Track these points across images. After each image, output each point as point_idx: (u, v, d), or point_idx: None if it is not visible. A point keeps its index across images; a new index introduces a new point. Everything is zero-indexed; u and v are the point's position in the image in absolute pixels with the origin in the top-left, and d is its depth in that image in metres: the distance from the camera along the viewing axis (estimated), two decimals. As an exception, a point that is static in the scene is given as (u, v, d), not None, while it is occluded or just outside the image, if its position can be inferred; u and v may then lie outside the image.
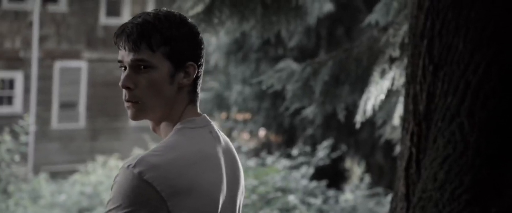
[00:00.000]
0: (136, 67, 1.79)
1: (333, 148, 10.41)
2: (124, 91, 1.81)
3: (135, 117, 1.81)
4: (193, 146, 1.75)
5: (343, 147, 11.26)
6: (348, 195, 8.87)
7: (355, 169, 11.93)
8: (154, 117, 1.80)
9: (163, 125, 1.82)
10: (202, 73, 1.84)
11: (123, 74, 1.81)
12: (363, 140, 11.29)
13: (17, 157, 10.89)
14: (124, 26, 1.81)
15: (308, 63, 5.85)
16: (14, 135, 11.74)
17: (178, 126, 1.78)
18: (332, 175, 10.77)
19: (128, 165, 1.70)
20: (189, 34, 1.79)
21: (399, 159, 3.97)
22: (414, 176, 3.83)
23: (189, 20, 1.84)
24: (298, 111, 7.44)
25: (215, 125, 1.87)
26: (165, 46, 1.78)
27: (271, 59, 11.26)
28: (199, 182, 1.72)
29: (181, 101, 1.79)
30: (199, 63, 1.82)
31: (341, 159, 11.67)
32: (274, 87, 5.89)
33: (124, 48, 1.80)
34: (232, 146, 1.89)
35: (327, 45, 11.29)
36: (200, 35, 1.82)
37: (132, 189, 1.67)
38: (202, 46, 1.83)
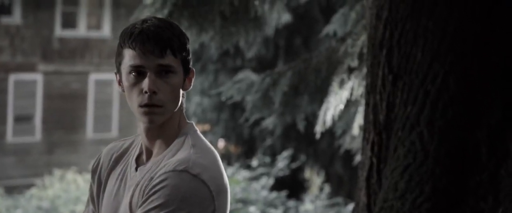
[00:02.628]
0: (159, 72, 1.83)
1: (293, 158, 10.42)
2: (142, 96, 1.83)
3: (155, 121, 1.85)
4: (213, 150, 1.86)
5: (303, 158, 11.28)
6: (308, 206, 8.89)
7: (315, 179, 11.96)
8: (164, 121, 1.86)
9: (163, 130, 1.87)
10: None
11: (134, 79, 1.84)
12: (322, 150, 11.33)
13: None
14: (143, 30, 1.83)
15: (268, 73, 5.84)
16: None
17: (188, 131, 1.86)
18: (292, 186, 10.78)
19: (181, 170, 1.75)
20: (188, 41, 1.87)
21: (360, 169, 3.98)
22: (375, 186, 3.84)
23: None
24: (257, 122, 7.45)
25: None
26: (181, 53, 1.84)
27: (230, 70, 11.25)
28: (227, 183, 1.85)
29: (180, 108, 1.88)
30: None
31: (300, 169, 11.69)
32: (233, 98, 5.87)
33: (151, 53, 1.82)
34: None
35: (285, 55, 11.33)
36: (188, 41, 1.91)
37: (190, 190, 1.74)
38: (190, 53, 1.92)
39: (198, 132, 1.89)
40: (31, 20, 17.13)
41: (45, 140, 17.44)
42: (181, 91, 1.85)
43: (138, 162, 1.92)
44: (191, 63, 1.88)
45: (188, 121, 1.90)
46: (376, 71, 3.80)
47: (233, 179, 8.22)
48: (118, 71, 1.90)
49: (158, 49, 1.81)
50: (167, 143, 1.86)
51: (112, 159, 1.96)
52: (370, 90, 3.86)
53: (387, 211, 3.71)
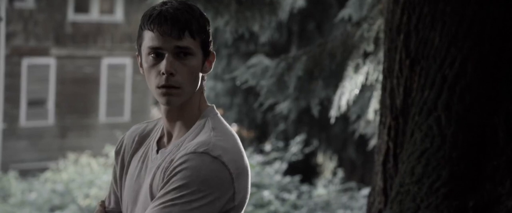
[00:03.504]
0: (177, 53, 1.84)
1: (306, 143, 10.42)
2: (160, 77, 1.84)
3: (173, 103, 1.85)
4: (234, 133, 1.87)
5: (316, 143, 11.28)
6: (321, 190, 8.90)
7: (328, 164, 11.97)
8: (182, 103, 1.86)
9: (183, 113, 1.88)
10: None
11: (152, 61, 1.84)
12: (335, 135, 11.32)
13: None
14: (161, 11, 1.83)
15: (282, 58, 5.84)
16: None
17: (209, 114, 1.87)
18: (305, 171, 10.79)
19: (201, 152, 1.76)
20: (209, 24, 1.88)
21: (376, 153, 3.98)
22: (392, 171, 3.84)
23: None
24: (271, 107, 7.44)
25: None
26: (200, 35, 1.84)
27: (243, 55, 11.24)
28: (247, 166, 1.85)
29: (200, 90, 1.88)
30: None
31: (313, 154, 11.69)
32: (248, 83, 5.87)
33: (169, 34, 1.82)
34: None
35: (298, 40, 11.30)
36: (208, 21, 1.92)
37: (211, 172, 1.75)
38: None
39: (219, 115, 1.89)
40: (44, 5, 17.15)
41: (58, 124, 17.51)
42: (201, 74, 1.86)
43: (160, 144, 1.92)
44: (211, 46, 1.88)
45: (209, 104, 1.90)
46: (394, 55, 3.79)
47: (246, 164, 8.23)
48: (139, 53, 1.91)
49: (175, 30, 1.82)
50: (188, 125, 1.87)
51: (135, 141, 1.97)
52: (387, 75, 3.85)
53: (403, 195, 3.71)
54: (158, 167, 1.86)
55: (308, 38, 11.14)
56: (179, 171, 1.76)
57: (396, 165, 3.83)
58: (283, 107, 6.17)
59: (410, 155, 3.73)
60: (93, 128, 17.72)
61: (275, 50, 10.68)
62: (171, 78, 1.82)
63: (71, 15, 17.51)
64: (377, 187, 3.94)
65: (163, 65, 1.82)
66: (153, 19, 1.83)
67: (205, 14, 1.88)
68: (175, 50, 1.83)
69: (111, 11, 17.75)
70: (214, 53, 1.90)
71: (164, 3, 1.84)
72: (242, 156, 1.82)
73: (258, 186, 8.08)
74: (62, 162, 12.63)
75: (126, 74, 17.86)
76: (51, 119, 17.49)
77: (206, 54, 1.86)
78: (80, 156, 12.68)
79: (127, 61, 17.95)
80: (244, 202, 1.83)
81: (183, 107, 1.86)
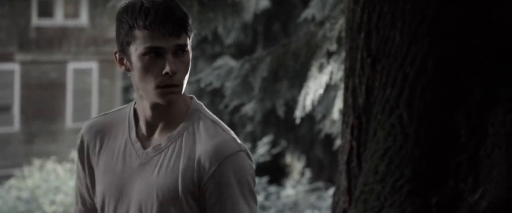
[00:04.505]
0: (176, 51, 1.83)
1: (273, 144, 10.42)
2: (160, 77, 1.82)
3: (173, 101, 1.85)
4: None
5: (283, 143, 11.28)
6: (289, 191, 8.90)
7: (295, 164, 11.98)
8: None
9: (173, 107, 1.87)
10: None
11: (150, 60, 1.82)
12: (302, 135, 11.34)
13: None
14: (157, 10, 1.80)
15: (246, 59, 5.83)
16: None
17: (197, 106, 1.89)
18: (273, 171, 10.79)
19: (237, 151, 1.82)
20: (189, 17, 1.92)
21: (340, 153, 3.98)
22: (356, 170, 3.84)
23: None
24: (237, 108, 7.42)
25: None
26: (191, 30, 1.85)
27: (209, 57, 11.21)
28: None
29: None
30: None
31: (281, 155, 11.70)
32: (212, 85, 5.86)
33: (171, 33, 1.81)
34: None
35: (264, 41, 11.30)
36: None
37: (251, 167, 1.85)
38: None
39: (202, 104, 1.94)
40: (7, 9, 16.96)
41: (24, 130, 17.32)
42: None
43: (140, 138, 1.88)
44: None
45: (188, 95, 1.91)
46: (355, 54, 3.79)
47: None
48: (123, 51, 1.85)
49: (177, 29, 1.80)
50: (178, 118, 1.86)
51: (98, 137, 1.92)
52: (349, 74, 3.86)
53: (367, 194, 3.72)
54: (173, 167, 1.84)
55: (273, 38, 11.15)
56: (227, 177, 1.81)
57: (359, 164, 3.84)
58: (249, 108, 6.16)
59: (373, 154, 3.74)
60: (59, 134, 17.56)
61: (241, 52, 10.67)
62: (174, 77, 1.81)
63: (35, 20, 17.34)
64: (342, 187, 3.94)
65: (166, 65, 1.79)
66: (153, 18, 1.79)
67: None
68: (175, 48, 1.82)
69: (75, 15, 17.61)
70: None
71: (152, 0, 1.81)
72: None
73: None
74: (27, 168, 12.49)
75: (93, 79, 17.73)
76: (16, 125, 17.30)
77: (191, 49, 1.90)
78: (46, 162, 12.54)
79: (93, 65, 17.82)
80: None
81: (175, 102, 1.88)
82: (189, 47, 1.84)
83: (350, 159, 3.87)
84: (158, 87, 1.81)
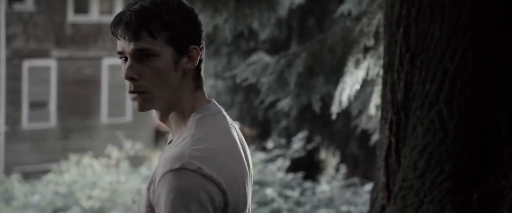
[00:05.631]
0: (138, 56, 1.71)
1: (308, 140, 10.39)
2: (128, 82, 1.71)
3: (142, 108, 1.72)
4: (222, 135, 1.70)
5: (318, 139, 11.23)
6: (324, 186, 8.86)
7: (330, 160, 11.93)
8: (162, 106, 1.72)
9: (173, 114, 1.73)
10: (204, 56, 1.76)
11: (124, 65, 1.71)
12: (337, 131, 11.29)
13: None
14: (121, 14, 1.72)
15: (282, 55, 5.81)
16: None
17: (196, 115, 1.70)
18: (308, 167, 10.76)
19: (178, 168, 1.59)
20: (189, 17, 1.71)
21: (379, 148, 3.95)
22: (394, 166, 3.81)
23: (186, 2, 1.74)
24: (272, 104, 7.40)
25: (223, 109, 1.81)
26: (166, 32, 1.69)
27: (243, 52, 11.20)
28: (237, 171, 1.69)
29: (187, 88, 1.72)
30: (201, 45, 1.74)
31: (316, 150, 11.66)
32: (248, 81, 5.85)
33: (124, 38, 1.71)
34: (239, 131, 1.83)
35: (298, 36, 11.27)
36: (199, 17, 1.74)
37: (194, 188, 1.58)
38: (202, 28, 1.74)
39: (215, 112, 1.73)
40: (43, 6, 17.13)
41: (60, 125, 17.50)
42: (177, 72, 1.70)
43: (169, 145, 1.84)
44: (192, 39, 1.72)
45: (209, 99, 1.77)
46: (394, 49, 3.76)
47: (248, 162, 8.18)
48: None
49: (130, 32, 1.69)
50: (180, 127, 1.74)
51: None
52: (387, 69, 3.82)
53: (406, 190, 3.69)
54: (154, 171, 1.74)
55: (308, 34, 11.10)
56: (161, 195, 1.60)
57: (398, 160, 3.80)
58: (284, 104, 6.14)
59: (413, 150, 3.70)
60: (95, 129, 17.71)
61: (275, 47, 10.65)
62: (134, 83, 1.70)
63: (71, 16, 17.49)
64: (380, 183, 3.91)
65: (123, 70, 1.72)
66: (112, 22, 1.73)
67: (185, 7, 1.72)
68: (135, 53, 1.69)
69: (110, 11, 17.72)
70: (197, 47, 1.72)
71: (134, 2, 1.72)
72: (229, 162, 1.66)
73: (261, 184, 8.05)
74: (64, 163, 12.61)
75: (127, 74, 17.84)
76: (53, 121, 17.48)
77: (181, 50, 1.70)
78: (82, 158, 12.66)
79: (127, 61, 17.93)
80: (237, 208, 1.68)
81: (168, 109, 1.72)
82: (161, 50, 1.69)
83: (389, 155, 3.84)
84: (128, 92, 1.73)
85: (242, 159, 1.72)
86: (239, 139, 1.76)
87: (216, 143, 1.67)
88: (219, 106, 1.78)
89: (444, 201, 3.57)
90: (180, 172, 1.59)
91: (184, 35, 1.70)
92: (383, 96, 3.88)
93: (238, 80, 5.97)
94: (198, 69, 1.74)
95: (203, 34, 1.75)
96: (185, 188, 1.58)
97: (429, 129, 3.66)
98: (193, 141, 1.65)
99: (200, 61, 1.74)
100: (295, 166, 9.64)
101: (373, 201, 3.96)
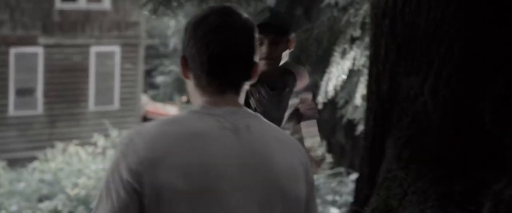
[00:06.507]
0: None
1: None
2: None
3: None
4: (184, 125, 1.68)
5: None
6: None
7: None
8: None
9: None
10: (197, 63, 1.72)
11: None
12: (324, 120, 11.28)
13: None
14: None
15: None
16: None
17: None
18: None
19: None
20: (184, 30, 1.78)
21: (363, 139, 3.96)
22: (378, 156, 3.81)
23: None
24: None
25: (252, 120, 1.72)
26: None
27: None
28: (176, 158, 1.64)
29: (194, 93, 1.75)
30: (185, 55, 1.73)
31: (302, 140, 11.63)
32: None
33: None
34: (273, 148, 1.71)
35: (286, 26, 11.22)
36: (187, 27, 1.74)
37: (121, 157, 1.65)
38: (187, 38, 1.73)
39: (205, 114, 1.72)
40: (30, -7, 17.03)
41: (47, 113, 17.43)
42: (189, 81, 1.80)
43: None
44: (183, 50, 1.77)
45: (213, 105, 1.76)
46: (379, 40, 3.76)
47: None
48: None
49: None
50: None
51: None
52: (373, 60, 3.82)
53: (390, 181, 3.69)
54: None
55: (296, 23, 11.07)
56: None
57: (383, 151, 3.81)
58: (270, 93, 6.12)
59: (397, 141, 3.71)
60: (82, 117, 17.65)
61: (263, 36, 10.60)
62: None
63: (59, 3, 17.39)
64: (365, 173, 3.92)
65: None
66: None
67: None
68: None
69: (98, -1, 17.64)
70: (184, 58, 1.75)
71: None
72: (156, 148, 1.63)
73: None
74: (50, 151, 12.56)
75: (115, 62, 17.77)
76: (40, 108, 17.41)
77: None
78: (69, 145, 12.61)
79: (115, 49, 17.86)
80: (162, 196, 1.62)
81: None
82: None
83: (373, 146, 3.84)
84: None
85: (200, 153, 1.65)
86: (248, 150, 1.68)
87: (155, 125, 1.68)
88: (228, 112, 1.72)
89: (428, 192, 3.58)
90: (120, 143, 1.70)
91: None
92: (369, 87, 3.88)
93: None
94: (196, 75, 1.73)
95: (189, 43, 1.73)
96: (113, 159, 1.68)
97: (413, 120, 3.66)
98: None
99: (194, 69, 1.73)
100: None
101: (358, 191, 3.97)
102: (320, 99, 5.47)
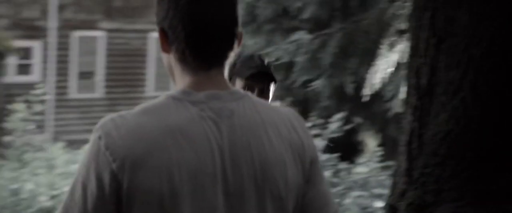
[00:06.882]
0: None
1: (348, 120, 10.31)
2: None
3: None
4: (164, 117, 1.57)
5: (357, 120, 11.14)
6: (361, 168, 8.81)
7: (370, 142, 11.84)
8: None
9: None
10: (180, 36, 1.60)
11: None
12: (377, 113, 11.17)
13: (31, 126, 10.92)
14: None
15: (316, 35, 5.78)
16: (31, 104, 11.79)
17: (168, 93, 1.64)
18: (346, 148, 10.69)
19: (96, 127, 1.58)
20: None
21: (401, 133, 3.91)
22: (416, 151, 3.76)
23: None
24: (306, 83, 7.36)
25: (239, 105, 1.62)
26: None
27: (285, 31, 11.14)
28: (158, 157, 1.54)
29: (175, 68, 1.64)
30: (163, 27, 1.62)
31: (355, 131, 11.58)
32: (281, 60, 5.84)
33: None
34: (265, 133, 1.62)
35: (342, 16, 11.14)
36: None
37: (93, 148, 1.56)
38: (165, 8, 1.61)
39: (185, 100, 1.61)
40: (93, -22, 17.31)
41: (107, 96, 17.73)
42: (166, 55, 1.68)
43: None
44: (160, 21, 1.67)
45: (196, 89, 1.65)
46: (419, 34, 3.70)
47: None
48: None
49: None
50: None
51: None
52: (413, 53, 3.77)
53: (426, 177, 3.64)
54: None
55: (352, 14, 10.97)
56: None
57: (420, 146, 3.76)
58: (318, 84, 6.12)
59: (434, 136, 3.65)
60: (141, 101, 17.90)
61: (318, 27, 10.56)
62: None
63: (121, -11, 17.64)
64: (401, 168, 3.87)
65: None
66: None
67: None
68: None
69: (159, -15, 17.82)
70: (161, 29, 1.64)
71: None
72: (138, 145, 1.53)
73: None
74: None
75: (174, 48, 17.96)
76: (99, 91, 17.72)
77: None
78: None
79: (175, 35, 18.04)
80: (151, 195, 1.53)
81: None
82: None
83: (411, 140, 3.79)
84: None
85: (184, 150, 1.56)
86: (233, 140, 1.60)
87: (147, 120, 1.57)
88: (213, 98, 1.62)
89: (464, 190, 3.52)
90: (93, 132, 1.60)
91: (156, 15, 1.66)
92: (408, 81, 3.83)
93: (270, 59, 5.96)
94: (180, 50, 1.63)
95: (170, 13, 1.61)
96: (88, 149, 1.59)
97: (452, 116, 3.60)
98: (132, 110, 1.62)
99: (175, 42, 1.63)
100: (334, 146, 9.59)
101: (394, 186, 3.93)
102: (366, 91, 5.43)
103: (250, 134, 1.60)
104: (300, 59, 5.72)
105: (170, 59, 1.64)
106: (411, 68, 3.78)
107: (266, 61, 2.84)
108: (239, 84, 2.75)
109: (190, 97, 1.60)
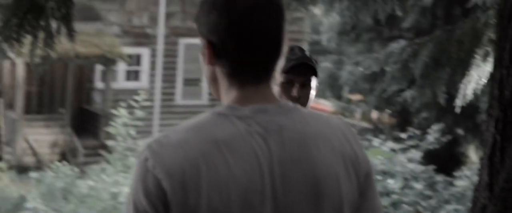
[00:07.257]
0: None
1: (449, 132, 10.06)
2: None
3: None
4: (210, 133, 1.52)
5: (460, 131, 10.86)
6: (459, 182, 8.58)
7: (472, 154, 11.51)
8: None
9: None
10: (229, 49, 1.56)
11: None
12: (478, 124, 10.86)
13: (132, 131, 11.19)
14: None
15: (407, 44, 5.68)
16: (133, 109, 12.09)
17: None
18: (446, 160, 10.44)
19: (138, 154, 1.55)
20: (202, 9, 1.60)
21: (484, 146, 3.80)
22: (498, 165, 3.65)
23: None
24: (396, 93, 7.22)
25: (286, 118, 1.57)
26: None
27: (384, 40, 11.01)
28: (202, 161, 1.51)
29: (220, 82, 1.61)
30: (210, 39, 1.58)
31: (456, 143, 11.29)
32: (370, 69, 5.77)
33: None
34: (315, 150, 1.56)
35: (444, 25, 10.92)
36: (210, 7, 1.57)
37: (140, 176, 1.53)
38: (215, 21, 1.57)
39: (220, 107, 1.58)
40: (200, -13, 17.62)
41: (211, 103, 18.01)
42: (208, 67, 1.63)
43: None
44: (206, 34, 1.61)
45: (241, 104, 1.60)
46: (503, 44, 3.59)
47: (377, 151, 8.08)
48: None
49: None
50: None
51: None
52: (497, 64, 3.66)
53: (507, 192, 3.53)
54: None
55: (454, 22, 10.73)
56: None
57: (503, 160, 3.64)
58: (408, 94, 6.01)
59: (517, 150, 3.53)
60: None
61: (418, 35, 10.38)
62: None
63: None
64: (483, 182, 3.76)
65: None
66: None
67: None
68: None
69: None
70: (207, 43, 1.59)
71: None
72: (178, 156, 1.50)
73: (386, 174, 7.92)
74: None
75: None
76: (204, 98, 18.02)
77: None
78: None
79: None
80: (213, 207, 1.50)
81: None
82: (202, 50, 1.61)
83: (493, 154, 3.68)
84: None
85: (231, 166, 1.52)
86: (286, 156, 1.54)
87: (178, 135, 1.54)
88: (258, 112, 1.57)
89: (547, 206, 3.39)
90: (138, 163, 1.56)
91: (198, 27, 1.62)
92: (491, 92, 3.72)
93: (361, 69, 5.91)
94: (227, 63, 1.59)
95: (218, 27, 1.56)
96: (135, 174, 1.56)
97: (536, 130, 3.47)
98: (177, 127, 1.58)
99: (224, 55, 1.58)
100: (432, 158, 9.38)
101: (475, 200, 3.82)
102: (458, 102, 5.30)
103: (301, 149, 1.55)
104: (389, 68, 5.62)
105: (216, 71, 1.60)
106: (495, 79, 3.67)
107: (307, 52, 2.61)
108: (278, 79, 2.56)
109: (236, 112, 1.56)
